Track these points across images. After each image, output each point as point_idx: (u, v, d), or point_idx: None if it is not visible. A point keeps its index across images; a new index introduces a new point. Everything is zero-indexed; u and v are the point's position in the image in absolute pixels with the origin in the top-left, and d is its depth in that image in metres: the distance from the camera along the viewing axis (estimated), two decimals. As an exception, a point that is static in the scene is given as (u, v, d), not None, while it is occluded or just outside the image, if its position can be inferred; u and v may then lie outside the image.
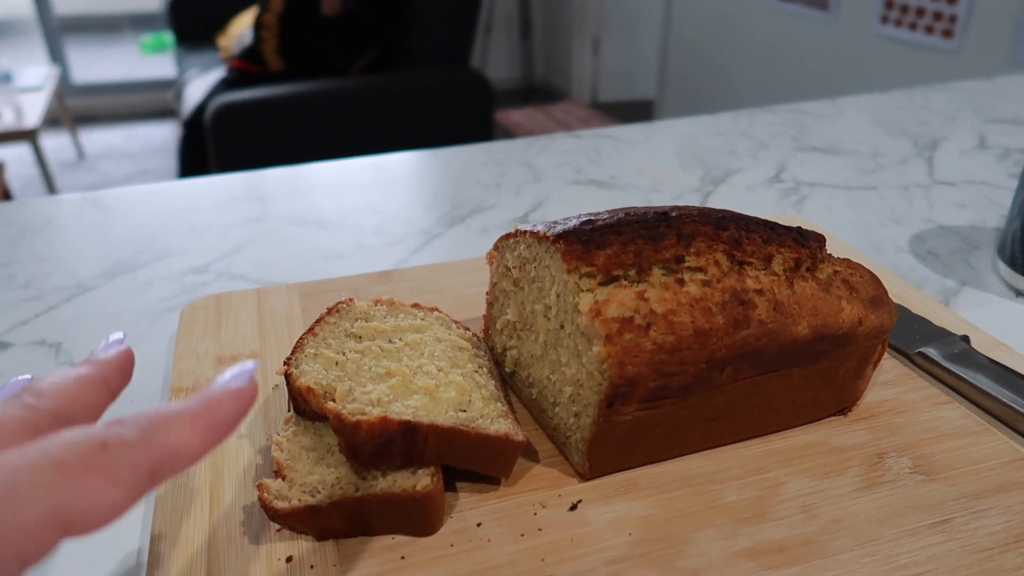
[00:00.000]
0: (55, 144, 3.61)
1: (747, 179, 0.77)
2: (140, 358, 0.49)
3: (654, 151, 0.84)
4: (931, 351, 0.44)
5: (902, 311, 0.48)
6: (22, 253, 0.63)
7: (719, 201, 0.72)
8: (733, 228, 0.37)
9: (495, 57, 4.34)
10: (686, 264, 0.35)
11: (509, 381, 0.43)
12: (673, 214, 0.37)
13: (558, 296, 0.36)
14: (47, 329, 0.53)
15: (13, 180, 3.10)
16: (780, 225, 0.39)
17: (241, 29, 3.35)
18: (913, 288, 0.53)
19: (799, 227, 0.40)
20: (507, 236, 0.41)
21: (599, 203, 0.72)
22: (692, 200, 0.72)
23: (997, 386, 0.41)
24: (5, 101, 2.71)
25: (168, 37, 4.60)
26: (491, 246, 0.43)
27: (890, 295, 0.51)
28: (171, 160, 3.43)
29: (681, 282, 0.34)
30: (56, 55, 3.98)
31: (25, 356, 0.50)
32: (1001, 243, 0.58)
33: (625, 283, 0.34)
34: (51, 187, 2.78)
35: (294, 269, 0.60)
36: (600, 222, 0.36)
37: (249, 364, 0.24)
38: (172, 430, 0.21)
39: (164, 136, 3.73)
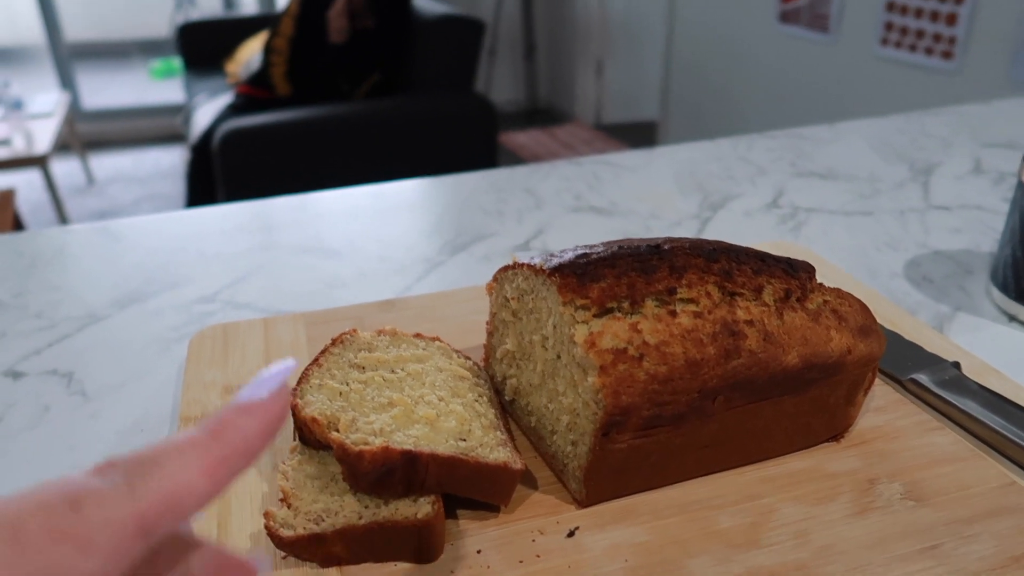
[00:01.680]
0: (65, 169, 3.65)
1: (745, 205, 0.78)
2: (148, 388, 0.51)
3: (653, 177, 0.86)
4: (923, 377, 0.45)
5: (895, 337, 0.49)
6: (34, 283, 0.65)
7: (717, 226, 0.73)
8: (724, 260, 0.38)
9: (499, 79, 4.38)
10: (678, 296, 0.36)
11: (509, 409, 0.44)
12: (666, 247, 0.38)
13: (555, 327, 0.38)
14: (59, 359, 0.54)
15: (23, 205, 3.13)
16: (771, 256, 0.40)
17: (248, 55, 3.39)
18: (906, 314, 0.54)
19: (789, 258, 0.41)
20: (506, 268, 0.42)
21: (598, 230, 0.73)
22: (691, 226, 0.73)
23: (988, 412, 0.42)
24: (16, 128, 2.75)
25: (177, 62, 4.67)
26: (492, 274, 0.44)
27: (884, 321, 0.52)
28: (179, 184, 3.46)
29: (673, 313, 0.36)
30: (66, 81, 4.04)
31: (38, 386, 0.51)
32: (994, 268, 0.59)
33: (619, 315, 0.35)
34: (61, 212, 2.81)
35: (300, 297, 0.62)
36: (595, 255, 0.37)
37: (286, 363, 0.21)
38: (169, 472, 0.17)
39: (172, 160, 3.77)
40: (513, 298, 0.41)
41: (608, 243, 0.40)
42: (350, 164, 2.31)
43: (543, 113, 4.45)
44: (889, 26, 2.29)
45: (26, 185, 3.47)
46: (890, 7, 2.27)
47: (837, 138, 0.97)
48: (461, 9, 4.20)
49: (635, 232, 0.72)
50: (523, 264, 0.40)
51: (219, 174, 2.21)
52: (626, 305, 0.36)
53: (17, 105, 2.73)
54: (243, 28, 3.67)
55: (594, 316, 0.35)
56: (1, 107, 2.81)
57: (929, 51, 2.20)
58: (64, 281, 0.65)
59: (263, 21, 3.67)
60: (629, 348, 0.34)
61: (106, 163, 3.76)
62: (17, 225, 2.05)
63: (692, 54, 3.20)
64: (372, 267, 0.66)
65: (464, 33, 2.44)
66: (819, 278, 0.59)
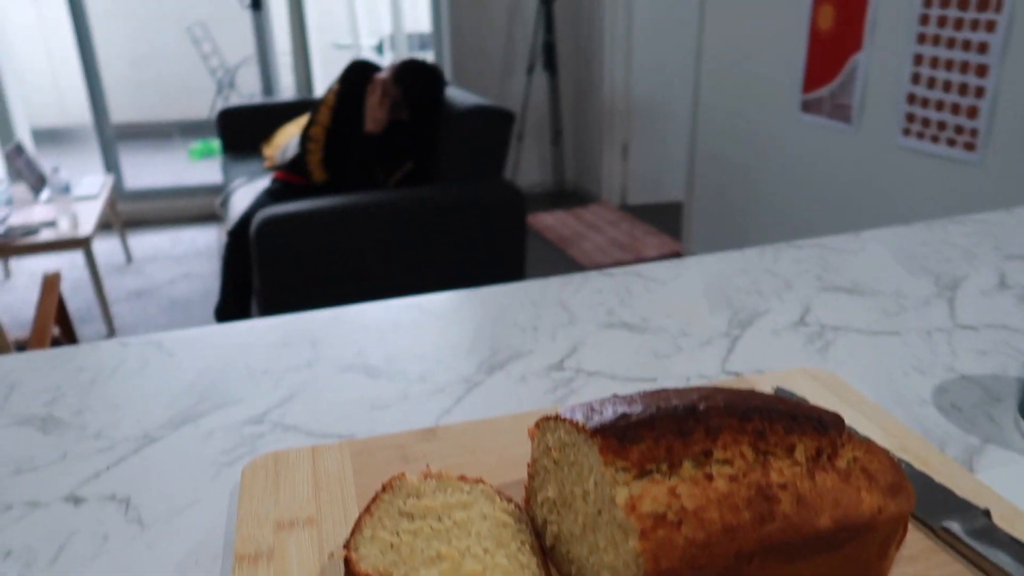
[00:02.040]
0: (105, 248, 3.77)
1: (773, 322, 0.80)
2: (202, 516, 0.53)
3: (683, 290, 0.88)
4: (954, 526, 0.46)
5: (925, 480, 0.51)
6: (94, 400, 0.68)
7: (746, 346, 0.75)
8: (757, 419, 0.40)
9: (527, 162, 4.50)
10: (714, 458, 0.38)
11: (549, 554, 0.45)
12: (701, 407, 0.40)
13: (596, 484, 0.40)
14: (118, 483, 0.57)
15: (63, 283, 3.23)
16: (802, 412, 0.42)
17: (285, 139, 3.53)
18: (936, 451, 0.55)
19: (820, 412, 0.43)
20: (548, 418, 0.44)
21: (631, 347, 0.75)
22: (720, 345, 0.75)
23: (1019, 566, 0.42)
24: (63, 210, 2.87)
25: (216, 144, 4.86)
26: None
27: (914, 459, 0.53)
28: (214, 263, 3.55)
29: (710, 477, 0.38)
30: (110, 163, 4.20)
31: (98, 512, 0.53)
32: (1021, 399, 0.60)
33: (658, 477, 0.37)
34: (100, 292, 2.89)
35: (344, 419, 0.64)
36: (634, 417, 0.40)
37: None
38: None
39: (208, 239, 3.89)
40: (554, 448, 0.44)
41: (646, 396, 0.42)
42: (384, 250, 2.37)
43: (570, 195, 4.54)
44: (911, 117, 2.34)
45: (67, 263, 3.59)
46: (911, 99, 2.32)
47: (861, 248, 0.99)
48: (491, 98, 4.34)
49: (666, 351, 0.75)
50: (565, 419, 0.42)
51: (255, 259, 2.28)
52: (664, 467, 0.38)
53: (65, 189, 2.85)
54: (281, 113, 3.82)
55: (634, 478, 0.37)
56: (49, 191, 2.93)
57: (952, 142, 2.23)
58: (122, 398, 0.68)
59: (300, 106, 3.82)
60: (668, 513, 0.36)
61: (144, 242, 3.88)
62: (61, 307, 2.11)
63: (716, 138, 3.27)
64: (413, 388, 0.69)
65: (495, 123, 2.53)
66: (848, 409, 0.60)
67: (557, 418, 0.43)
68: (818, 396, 0.62)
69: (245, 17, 4.21)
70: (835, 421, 0.43)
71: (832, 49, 2.59)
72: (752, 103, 3.02)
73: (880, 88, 2.43)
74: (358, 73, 2.72)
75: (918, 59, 2.28)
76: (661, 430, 0.39)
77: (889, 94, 2.40)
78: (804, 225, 2.84)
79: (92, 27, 4.03)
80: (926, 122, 2.30)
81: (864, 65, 2.47)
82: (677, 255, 3.60)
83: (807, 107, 2.73)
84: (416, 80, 2.57)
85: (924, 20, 2.24)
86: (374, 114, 2.56)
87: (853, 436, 0.43)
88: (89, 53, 4.03)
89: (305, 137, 2.73)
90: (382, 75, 2.57)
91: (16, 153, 3.15)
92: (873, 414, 0.59)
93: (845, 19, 2.52)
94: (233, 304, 2.59)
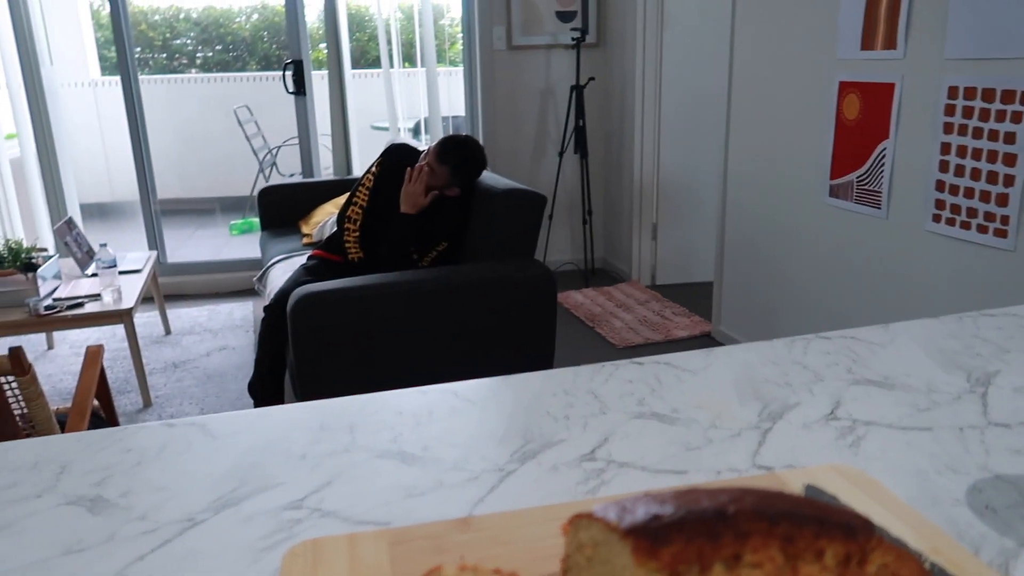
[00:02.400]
0: (144, 319, 3.87)
1: (803, 415, 0.81)
2: (243, 602, 0.55)
3: (713, 381, 0.90)
4: (988, 635, 0.46)
5: (958, 585, 0.51)
6: (140, 481, 0.70)
7: (776, 440, 0.76)
8: (786, 523, 0.41)
9: (557, 240, 4.56)
10: (744, 561, 0.39)
11: (582, 652, 0.46)
12: (730, 510, 0.42)
13: (628, 585, 0.41)
14: (162, 567, 0.58)
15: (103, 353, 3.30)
16: (830, 516, 0.43)
17: (322, 218, 3.64)
18: (970, 555, 0.55)
19: (849, 517, 0.44)
20: (581, 516, 0.46)
21: (661, 439, 0.76)
22: (751, 438, 0.76)
23: None
24: (108, 284, 2.96)
25: (255, 220, 5.01)
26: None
27: (949, 564, 0.53)
28: (248, 336, 3.62)
29: (740, 581, 0.39)
30: (154, 239, 4.34)
31: (143, 595, 0.55)
32: (1057, 503, 0.60)
33: (689, 579, 0.39)
34: (139, 363, 2.96)
35: (380, 506, 0.66)
36: (666, 518, 0.41)
37: None
38: None
39: (244, 313, 3.97)
40: (588, 545, 0.45)
41: (677, 496, 0.44)
42: (417, 327, 2.40)
43: (600, 273, 4.58)
44: (941, 203, 2.36)
45: (108, 333, 3.68)
46: (940, 186, 2.34)
47: (891, 341, 1.00)
48: (523, 179, 4.45)
49: (696, 443, 0.76)
50: (599, 518, 0.43)
51: (291, 334, 2.32)
52: (696, 570, 0.39)
53: (111, 264, 2.95)
54: (319, 192, 3.95)
55: (666, 580, 0.39)
56: (96, 265, 3.03)
57: (983, 229, 2.24)
58: (166, 481, 0.70)
59: (338, 186, 3.95)
60: (699, 617, 0.37)
61: (183, 314, 3.97)
62: (102, 379, 2.17)
63: (745, 220, 3.30)
64: (448, 476, 0.70)
65: (528, 206, 2.59)
66: (879, 508, 0.61)
67: (591, 516, 0.44)
68: (849, 495, 0.62)
69: (289, 100, 4.40)
70: (864, 525, 0.44)
71: (859, 137, 2.64)
72: (779, 187, 3.06)
73: (908, 175, 2.46)
74: (396, 155, 2.82)
75: (945, 148, 2.31)
76: (692, 532, 0.40)
77: (918, 181, 2.43)
78: (834, 306, 2.83)
79: (144, 108, 4.24)
80: (956, 208, 2.31)
81: (892, 152, 2.51)
82: (707, 335, 3.59)
83: (835, 192, 2.77)
84: (462, 154, 2.67)
85: (949, 111, 2.28)
86: (414, 198, 2.64)
87: (883, 540, 0.44)
88: (140, 135, 4.23)
89: (343, 217, 2.81)
90: (426, 157, 2.66)
91: (67, 228, 3.29)
92: (904, 514, 0.60)
93: (871, 109, 2.57)
94: (267, 378, 2.62)
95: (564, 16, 4.32)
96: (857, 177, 2.66)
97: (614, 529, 0.42)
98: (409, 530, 0.59)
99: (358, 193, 2.80)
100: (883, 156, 2.54)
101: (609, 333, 3.58)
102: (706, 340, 3.53)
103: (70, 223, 3.34)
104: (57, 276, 3.14)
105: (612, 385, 0.89)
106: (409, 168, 2.65)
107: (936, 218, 2.37)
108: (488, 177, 2.81)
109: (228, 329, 3.73)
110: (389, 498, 0.67)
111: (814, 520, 0.43)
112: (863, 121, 2.61)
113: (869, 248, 2.64)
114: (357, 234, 2.76)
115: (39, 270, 2.93)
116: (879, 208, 2.58)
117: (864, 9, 2.55)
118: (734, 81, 3.28)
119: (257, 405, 2.66)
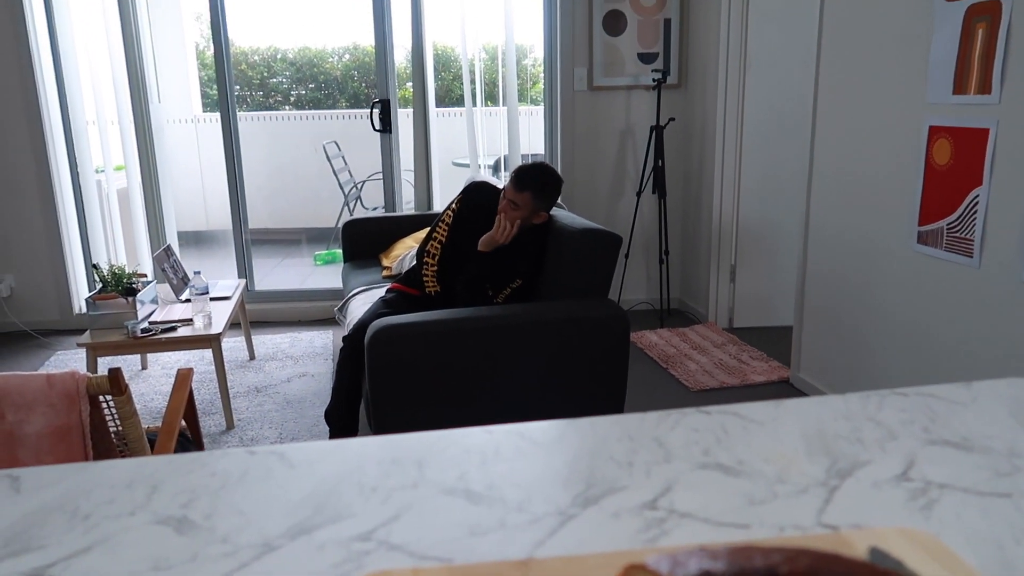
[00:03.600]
0: (231, 344, 4.04)
1: (874, 474, 0.79)
2: (312, 628, 0.57)
3: (781, 433, 0.89)
4: None
5: (1027, 662, 0.49)
6: (223, 505, 0.75)
7: (844, 498, 0.75)
8: (840, 587, 0.42)
9: (633, 280, 4.55)
10: (795, 622, 0.40)
11: None
12: (782, 571, 0.42)
13: (679, 638, 0.42)
14: (239, 588, 0.62)
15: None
16: (887, 582, 0.43)
17: (402, 251, 3.74)
18: (1042, 631, 0.53)
19: (906, 584, 0.44)
20: (635, 567, 0.47)
21: (725, 491, 0.76)
22: (817, 495, 0.75)
23: None
24: (199, 310, 3.12)
25: (339, 252, 5.19)
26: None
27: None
28: (327, 364, 3.73)
29: (790, 642, 0.39)
30: (244, 267, 4.54)
31: (221, 615, 0.59)
32: None
33: (739, 637, 0.39)
34: (224, 387, 3.09)
35: (444, 543, 0.68)
36: (717, 574, 0.42)
37: None
38: None
39: (324, 342, 4.09)
40: (641, 596, 0.46)
41: (731, 552, 0.45)
42: (490, 362, 2.44)
43: (675, 314, 4.54)
44: (1037, 254, 2.25)
45: (196, 357, 3.85)
46: (1036, 236, 2.24)
47: (972, 400, 0.97)
48: (600, 217, 4.47)
49: (761, 497, 0.75)
50: (652, 570, 0.44)
51: (368, 365, 2.39)
52: (745, 628, 0.40)
53: (204, 291, 3.11)
54: (400, 226, 4.07)
55: (715, 636, 0.39)
56: (190, 292, 3.20)
57: (1083, 282, 2.13)
58: (247, 505, 0.75)
59: (418, 220, 4.06)
60: (747, 675, 0.38)
61: (267, 340, 4.13)
62: (191, 401, 2.27)
63: (827, 265, 3.23)
64: (511, 517, 0.72)
65: (603, 245, 2.60)
66: (948, 575, 0.59)
67: (644, 568, 0.46)
68: (916, 560, 0.61)
69: (375, 137, 4.56)
70: (922, 594, 0.43)
71: (950, 183, 2.55)
72: (864, 232, 2.98)
73: (1003, 223, 2.36)
74: (476, 194, 2.89)
75: (1043, 196, 2.21)
76: (743, 590, 0.41)
77: (1013, 229, 2.33)
78: (919, 356, 2.72)
79: (241, 142, 4.47)
80: (1054, 259, 2.21)
81: (985, 199, 2.42)
82: (786, 381, 3.50)
83: (923, 239, 2.68)
84: (540, 179, 2.71)
85: (1048, 158, 2.19)
86: (493, 235, 2.70)
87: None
88: (236, 167, 4.46)
89: (422, 251, 2.89)
90: (504, 198, 2.72)
91: (165, 256, 3.48)
92: (975, 584, 0.58)
93: (963, 154, 2.49)
94: (343, 407, 2.70)
95: (646, 57, 4.35)
96: (947, 224, 2.57)
97: (666, 582, 0.43)
98: (471, 568, 0.61)
99: (438, 229, 2.87)
100: (975, 203, 2.45)
101: (683, 375, 3.54)
102: (784, 386, 3.44)
103: (168, 251, 3.53)
104: (154, 301, 3.32)
105: (678, 433, 0.89)
106: (499, 217, 2.69)
107: (1032, 269, 2.27)
108: (564, 216, 2.84)
109: (309, 356, 3.86)
110: (453, 535, 0.69)
111: (869, 585, 0.43)
112: (955, 167, 2.53)
113: (959, 296, 2.54)
114: (435, 268, 2.83)
115: (138, 295, 3.11)
116: (971, 256, 2.48)
117: (956, 54, 2.48)
118: (818, 123, 3.23)
119: (333, 432, 2.73)
